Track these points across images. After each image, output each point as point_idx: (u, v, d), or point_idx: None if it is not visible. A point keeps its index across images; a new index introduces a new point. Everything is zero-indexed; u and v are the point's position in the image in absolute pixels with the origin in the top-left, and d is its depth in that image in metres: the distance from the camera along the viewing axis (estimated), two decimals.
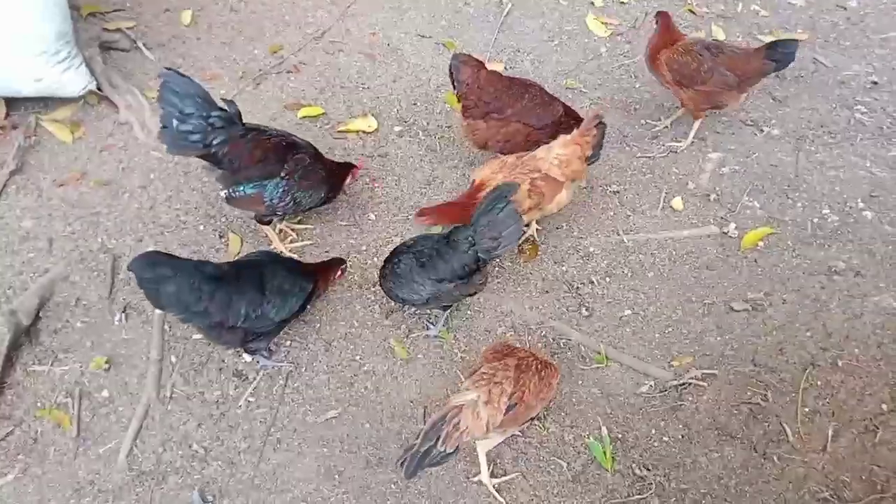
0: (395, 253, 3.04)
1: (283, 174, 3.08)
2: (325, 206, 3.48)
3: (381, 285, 3.09)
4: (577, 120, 3.62)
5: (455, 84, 3.59)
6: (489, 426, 2.49)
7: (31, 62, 3.60)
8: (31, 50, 3.56)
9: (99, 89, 3.94)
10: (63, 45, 3.70)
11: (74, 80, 3.79)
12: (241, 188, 3.08)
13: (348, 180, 3.49)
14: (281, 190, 3.09)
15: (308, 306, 3.00)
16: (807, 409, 3.05)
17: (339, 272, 3.11)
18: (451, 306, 3.19)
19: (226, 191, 3.13)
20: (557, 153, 3.33)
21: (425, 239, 3.04)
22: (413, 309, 3.28)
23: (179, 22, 4.55)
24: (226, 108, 2.98)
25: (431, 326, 3.23)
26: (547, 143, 3.44)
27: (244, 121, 3.10)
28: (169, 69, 2.88)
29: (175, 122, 2.83)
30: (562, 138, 3.39)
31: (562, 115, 3.66)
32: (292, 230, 3.53)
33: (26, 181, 3.58)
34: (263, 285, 2.74)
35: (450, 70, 3.58)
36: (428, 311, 3.29)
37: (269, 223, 3.34)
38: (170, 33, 4.48)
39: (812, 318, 3.37)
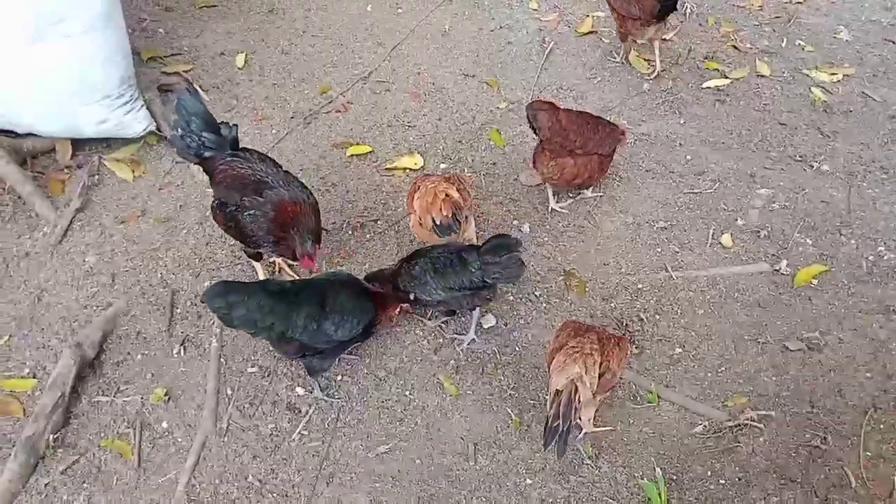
0: (415, 255, 3.19)
1: (235, 203, 3.14)
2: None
3: (399, 281, 3.17)
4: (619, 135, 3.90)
5: (536, 131, 3.67)
6: (592, 394, 2.70)
7: (96, 105, 3.78)
8: (98, 94, 3.74)
9: (158, 130, 4.11)
10: (126, 88, 3.88)
11: (136, 122, 3.96)
12: (216, 201, 3.25)
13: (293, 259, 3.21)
14: (233, 216, 3.16)
15: (371, 332, 3.06)
16: (869, 454, 2.97)
17: (399, 309, 3.15)
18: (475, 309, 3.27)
19: (213, 198, 3.30)
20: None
21: (445, 248, 3.18)
22: (459, 345, 3.30)
23: (234, 65, 4.73)
24: (223, 130, 3.21)
25: (462, 336, 3.29)
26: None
27: (243, 147, 3.27)
28: (187, 86, 3.21)
29: (179, 132, 3.19)
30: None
31: (621, 137, 3.87)
32: (289, 266, 3.58)
33: (90, 218, 3.73)
34: (324, 302, 2.86)
35: (528, 118, 3.68)
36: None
37: (258, 259, 3.43)
38: (224, 76, 4.66)
39: (871, 358, 3.30)
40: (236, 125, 3.26)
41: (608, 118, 4.36)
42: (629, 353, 2.97)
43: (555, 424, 2.59)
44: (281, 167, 3.25)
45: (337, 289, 2.95)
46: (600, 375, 2.72)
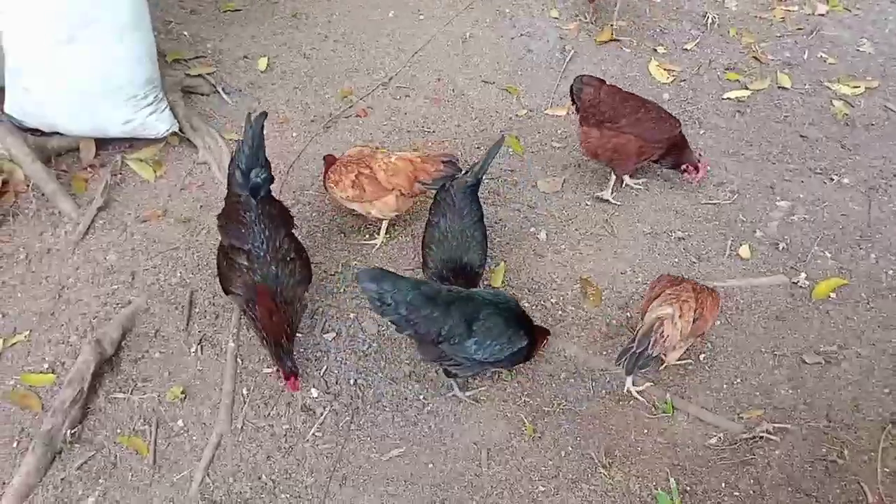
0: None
1: (224, 250, 3.10)
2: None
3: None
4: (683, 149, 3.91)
5: (576, 102, 3.81)
6: (682, 335, 2.95)
7: (122, 106, 3.83)
8: (124, 95, 3.80)
9: (181, 131, 4.16)
10: (151, 90, 3.93)
11: (159, 123, 4.02)
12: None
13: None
14: (220, 262, 3.13)
15: (518, 362, 3.04)
16: (887, 470, 2.93)
17: (545, 342, 3.13)
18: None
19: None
20: (390, 161, 3.49)
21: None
22: None
23: (256, 68, 4.79)
24: (252, 174, 3.05)
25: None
26: (654, 160, 3.86)
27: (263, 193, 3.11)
28: (258, 115, 3.11)
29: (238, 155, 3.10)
30: (408, 153, 3.59)
31: (678, 134, 3.84)
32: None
33: (112, 217, 3.78)
34: (474, 320, 2.80)
35: (571, 90, 3.81)
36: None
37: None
38: (247, 79, 4.71)
39: (890, 373, 3.26)
40: (267, 173, 3.09)
41: None
42: (720, 305, 3.22)
43: (630, 345, 2.93)
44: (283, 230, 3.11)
45: (493, 311, 2.86)
46: (694, 320, 2.97)
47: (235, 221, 3.07)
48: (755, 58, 5.10)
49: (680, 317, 2.94)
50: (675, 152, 3.92)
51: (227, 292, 3.11)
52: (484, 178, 4.07)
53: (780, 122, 4.60)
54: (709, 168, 4.06)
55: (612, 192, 4.02)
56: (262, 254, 2.98)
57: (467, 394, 3.15)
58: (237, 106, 4.50)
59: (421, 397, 3.16)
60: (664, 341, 2.91)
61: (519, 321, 2.96)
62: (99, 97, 3.76)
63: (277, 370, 3.03)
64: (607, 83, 3.82)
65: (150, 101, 3.93)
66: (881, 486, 2.87)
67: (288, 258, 3.05)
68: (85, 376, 3.01)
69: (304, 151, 4.24)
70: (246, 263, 2.98)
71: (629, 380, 3.15)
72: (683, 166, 3.93)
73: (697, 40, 5.24)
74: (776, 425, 3.06)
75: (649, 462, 2.98)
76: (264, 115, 3.13)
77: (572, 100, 3.85)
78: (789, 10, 5.60)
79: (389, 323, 2.81)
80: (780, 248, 3.81)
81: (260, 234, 3.00)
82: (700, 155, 3.97)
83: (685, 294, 3.03)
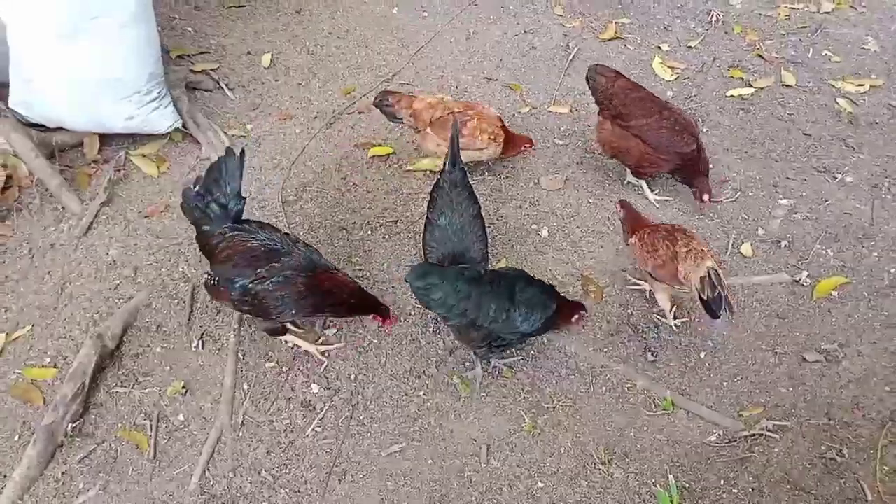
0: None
1: (253, 277, 2.91)
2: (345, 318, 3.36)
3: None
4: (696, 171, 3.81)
5: (592, 92, 3.89)
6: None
7: (125, 101, 3.85)
8: (127, 90, 3.82)
9: (184, 127, 4.17)
10: (154, 85, 3.95)
11: (163, 119, 4.03)
12: (216, 279, 3.01)
13: (369, 317, 3.22)
14: (248, 292, 2.91)
15: (549, 329, 3.07)
16: (886, 468, 2.93)
17: (579, 316, 3.13)
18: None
19: (205, 275, 3.10)
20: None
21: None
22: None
23: (259, 64, 4.80)
24: (231, 203, 3.01)
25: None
26: (667, 170, 3.84)
27: (244, 217, 3.09)
28: (234, 152, 3.04)
29: (196, 188, 3.01)
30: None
31: (693, 151, 3.72)
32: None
33: (115, 212, 3.80)
34: (514, 296, 2.91)
35: (587, 79, 3.87)
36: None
37: (282, 333, 3.19)
38: (250, 75, 4.72)
39: (890, 372, 3.25)
40: (244, 198, 3.08)
41: None
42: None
43: (716, 293, 2.90)
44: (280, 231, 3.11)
45: (524, 283, 3.00)
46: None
47: (228, 251, 2.96)
48: (759, 55, 5.08)
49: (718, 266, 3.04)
50: (688, 171, 3.80)
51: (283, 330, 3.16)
52: (489, 176, 4.11)
53: (784, 120, 4.58)
54: (715, 201, 3.98)
55: (653, 193, 4.05)
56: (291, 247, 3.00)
57: (497, 361, 3.25)
58: (240, 102, 4.51)
59: (420, 393, 3.17)
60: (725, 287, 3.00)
61: (543, 286, 3.06)
62: (102, 92, 3.78)
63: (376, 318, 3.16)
64: (625, 78, 3.82)
65: (153, 97, 3.95)
66: (881, 484, 2.87)
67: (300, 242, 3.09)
68: (86, 371, 3.03)
69: (306, 147, 4.25)
70: (265, 269, 2.92)
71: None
72: (693, 189, 3.86)
73: (702, 38, 5.22)
74: (776, 423, 3.06)
75: (649, 459, 2.98)
76: (243, 153, 3.07)
77: (590, 87, 3.90)
78: (794, 8, 5.58)
79: (440, 317, 2.95)
80: (783, 246, 3.80)
81: (271, 237, 3.00)
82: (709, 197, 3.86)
83: (697, 245, 3.09)
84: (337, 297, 3.01)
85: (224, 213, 3.01)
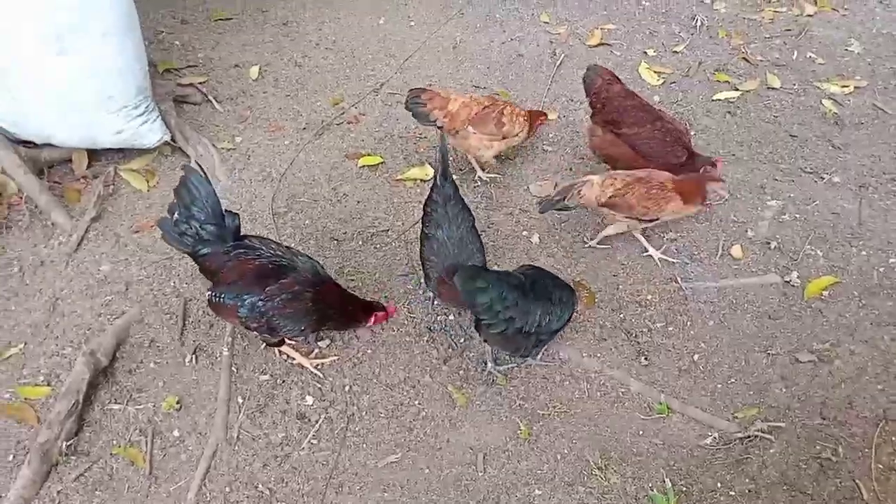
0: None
1: (262, 295, 2.89)
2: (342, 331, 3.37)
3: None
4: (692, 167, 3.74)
5: (586, 93, 3.89)
6: (597, 200, 3.45)
7: (113, 116, 3.84)
8: (114, 105, 3.80)
9: (173, 140, 4.16)
10: (142, 99, 3.94)
11: (151, 133, 4.02)
12: (222, 296, 2.94)
13: (370, 321, 3.19)
14: (257, 310, 2.89)
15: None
16: (881, 466, 2.95)
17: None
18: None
19: (209, 293, 3.01)
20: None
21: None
22: (471, 355, 3.31)
23: (247, 76, 4.80)
24: (227, 220, 2.96)
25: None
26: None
27: (243, 233, 3.07)
28: (193, 166, 2.94)
29: (176, 216, 2.91)
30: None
31: (682, 163, 3.72)
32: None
33: (105, 228, 3.78)
34: (551, 295, 2.95)
35: (583, 79, 3.89)
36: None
37: (279, 345, 3.18)
38: (238, 87, 4.73)
39: (882, 370, 3.28)
40: (238, 214, 3.05)
41: None
42: (666, 206, 3.48)
43: (550, 195, 3.44)
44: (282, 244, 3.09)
45: (552, 282, 3.03)
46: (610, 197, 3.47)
47: (236, 271, 2.93)
48: (744, 59, 5.13)
49: (600, 185, 3.40)
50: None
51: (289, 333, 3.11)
52: (479, 184, 4.12)
53: (770, 123, 4.63)
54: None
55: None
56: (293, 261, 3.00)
57: (493, 368, 3.26)
58: (229, 115, 4.51)
59: (416, 403, 3.17)
60: (579, 196, 3.42)
61: (565, 283, 3.11)
62: (90, 107, 3.76)
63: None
64: (621, 84, 3.85)
65: (141, 111, 3.94)
66: (876, 483, 2.88)
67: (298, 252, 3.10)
68: (80, 388, 3.01)
69: (295, 159, 4.25)
70: (275, 287, 2.90)
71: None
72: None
73: (687, 42, 5.27)
74: (770, 424, 3.07)
75: (645, 463, 2.98)
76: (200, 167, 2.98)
77: (585, 88, 3.91)
78: (778, 12, 5.64)
79: (479, 325, 2.97)
80: (772, 247, 3.83)
81: (276, 253, 3.00)
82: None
83: (621, 180, 3.42)
84: (341, 307, 3.06)
85: (220, 232, 2.94)
